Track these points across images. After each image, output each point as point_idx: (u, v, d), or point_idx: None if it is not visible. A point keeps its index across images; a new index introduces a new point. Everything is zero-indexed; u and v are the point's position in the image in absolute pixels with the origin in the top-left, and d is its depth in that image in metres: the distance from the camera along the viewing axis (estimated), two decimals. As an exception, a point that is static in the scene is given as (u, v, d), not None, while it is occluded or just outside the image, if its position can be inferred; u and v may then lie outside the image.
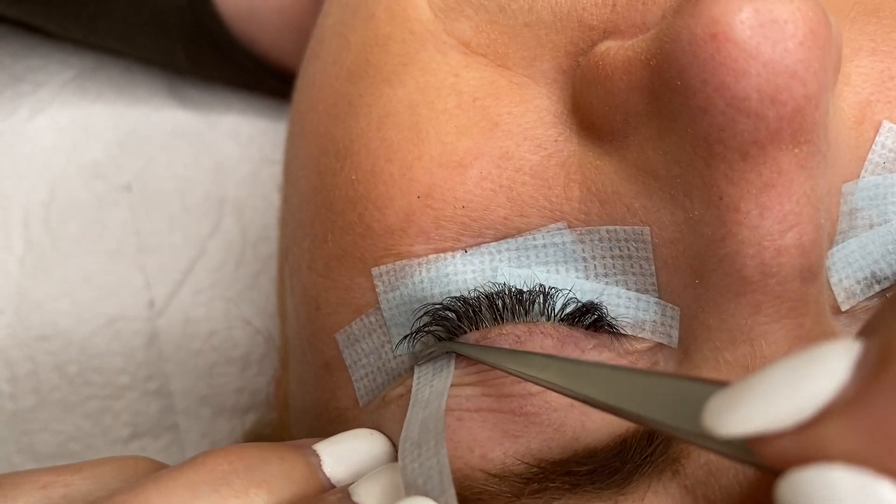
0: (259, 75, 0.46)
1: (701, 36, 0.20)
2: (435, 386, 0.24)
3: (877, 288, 0.24)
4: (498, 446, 0.23)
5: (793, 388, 0.16)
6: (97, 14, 0.43)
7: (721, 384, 0.18)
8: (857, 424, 0.15)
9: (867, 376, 0.15)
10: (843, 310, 0.23)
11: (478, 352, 0.24)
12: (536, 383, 0.22)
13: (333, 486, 0.24)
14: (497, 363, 0.23)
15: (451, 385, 0.24)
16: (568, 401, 0.23)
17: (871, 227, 0.24)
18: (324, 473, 0.24)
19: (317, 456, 0.24)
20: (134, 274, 0.45)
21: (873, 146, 0.24)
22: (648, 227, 0.23)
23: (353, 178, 0.26)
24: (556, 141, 0.24)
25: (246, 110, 0.48)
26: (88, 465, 0.23)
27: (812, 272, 0.22)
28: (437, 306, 0.24)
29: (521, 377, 0.22)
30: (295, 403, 0.31)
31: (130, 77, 0.48)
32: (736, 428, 0.16)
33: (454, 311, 0.24)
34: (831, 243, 0.23)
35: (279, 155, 0.48)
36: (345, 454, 0.24)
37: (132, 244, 0.45)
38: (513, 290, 0.24)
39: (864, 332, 0.18)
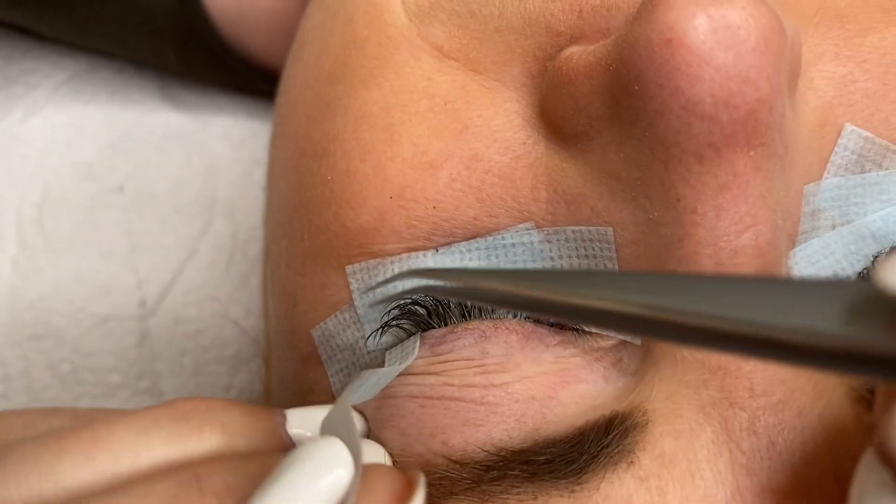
0: (250, 78, 0.47)
1: (656, 41, 0.21)
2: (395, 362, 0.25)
3: (839, 288, 0.24)
4: (459, 434, 0.24)
5: None
6: (89, 17, 0.43)
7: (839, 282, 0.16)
8: None
9: None
10: None
11: (467, 276, 0.21)
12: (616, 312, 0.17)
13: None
14: (488, 284, 0.20)
15: (417, 373, 0.25)
16: (529, 394, 0.24)
17: (834, 227, 0.24)
18: (286, 432, 0.24)
19: (283, 416, 0.25)
20: (126, 274, 0.45)
21: (836, 148, 0.24)
22: (611, 228, 0.23)
23: (329, 178, 0.27)
24: (524, 143, 0.25)
25: (237, 112, 0.49)
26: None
27: (768, 273, 0.22)
28: (406, 300, 0.25)
29: (521, 304, 0.20)
30: (276, 400, 0.32)
31: (124, 79, 0.48)
32: None
33: (423, 307, 0.25)
34: (793, 244, 0.24)
35: (270, 156, 0.48)
36: (311, 419, 0.25)
37: (124, 244, 0.46)
38: None
39: None
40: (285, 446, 0.24)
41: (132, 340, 0.45)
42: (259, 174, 0.48)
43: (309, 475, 0.20)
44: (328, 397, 0.27)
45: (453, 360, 0.25)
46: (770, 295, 0.15)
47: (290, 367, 0.29)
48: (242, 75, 0.47)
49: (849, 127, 0.24)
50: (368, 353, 0.26)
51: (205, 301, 0.46)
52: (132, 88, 0.48)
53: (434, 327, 0.25)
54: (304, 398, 0.28)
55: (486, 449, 0.24)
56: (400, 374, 0.25)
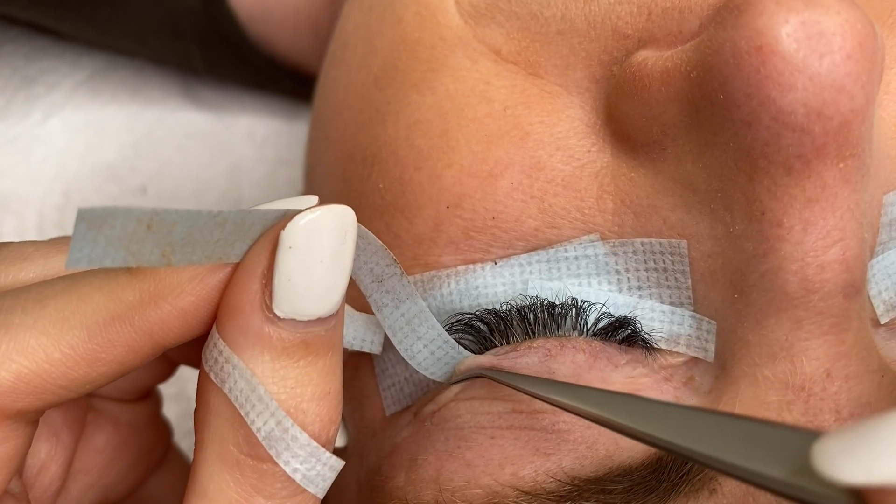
0: (275, 76, 0.46)
1: (745, 48, 0.20)
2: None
3: (918, 300, 0.23)
4: (529, 464, 0.23)
5: None
6: (111, 17, 0.42)
7: (802, 429, 0.17)
8: None
9: None
10: (882, 322, 0.23)
11: (513, 379, 0.23)
12: (591, 419, 0.21)
13: None
14: (548, 396, 0.22)
15: (482, 398, 0.24)
16: None
17: None
18: None
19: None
20: (150, 278, 0.44)
21: None
22: (685, 241, 0.22)
23: (381, 185, 0.26)
24: (588, 151, 0.24)
25: (261, 111, 0.48)
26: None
27: (855, 287, 0.21)
28: (469, 316, 0.24)
29: (577, 413, 0.21)
30: None
31: (144, 78, 0.47)
32: (856, 476, 0.15)
33: (485, 323, 0.24)
34: (871, 255, 0.23)
35: (295, 156, 0.47)
36: None
37: (148, 248, 0.45)
38: (545, 303, 0.24)
39: None
40: None
41: (157, 346, 0.44)
42: (284, 174, 0.47)
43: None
44: (380, 413, 0.27)
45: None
46: (737, 435, 0.18)
47: None
48: (267, 73, 0.46)
49: None
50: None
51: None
52: (153, 87, 0.47)
53: (496, 345, 0.24)
54: (355, 412, 0.28)
55: (558, 478, 0.23)
56: (464, 400, 0.24)
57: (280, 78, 0.46)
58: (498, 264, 0.24)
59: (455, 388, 0.24)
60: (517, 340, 0.24)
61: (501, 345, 0.24)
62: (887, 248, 0.23)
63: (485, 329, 0.24)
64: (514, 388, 0.23)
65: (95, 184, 0.45)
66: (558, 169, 0.24)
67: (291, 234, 0.20)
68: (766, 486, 0.17)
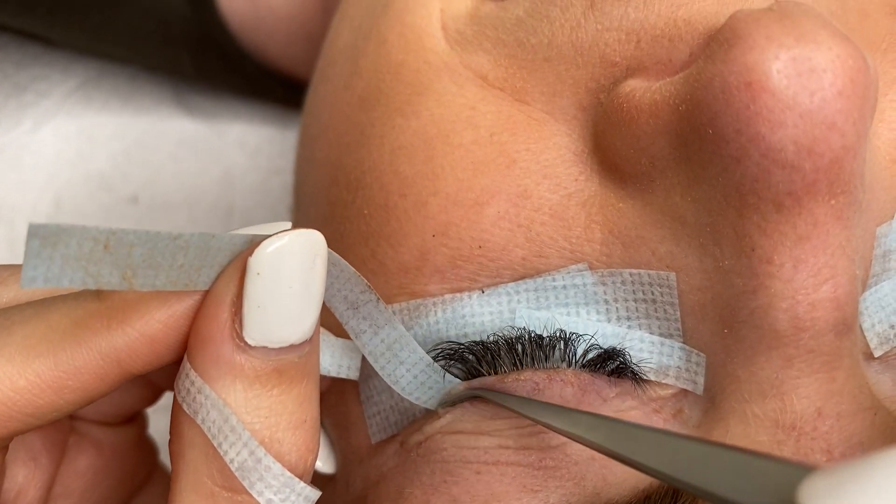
0: (267, 84, 0.46)
1: (735, 84, 0.19)
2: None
3: (911, 333, 0.23)
4: (515, 501, 0.23)
5: None
6: (102, 24, 0.42)
7: (791, 463, 0.17)
8: None
9: None
10: (875, 356, 0.23)
11: (504, 400, 0.23)
12: (584, 444, 0.21)
13: None
14: (540, 419, 0.22)
15: (469, 433, 0.24)
16: (589, 454, 0.23)
17: None
18: None
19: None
20: (141, 287, 0.44)
21: None
22: (674, 273, 0.22)
23: (366, 212, 0.25)
24: (576, 180, 0.23)
25: (253, 119, 0.48)
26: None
27: (846, 325, 0.21)
28: (457, 345, 0.24)
29: (567, 436, 0.21)
30: None
31: (136, 86, 0.47)
32: None
33: (473, 354, 0.24)
34: (864, 288, 0.23)
35: (288, 164, 0.47)
36: None
37: (139, 257, 0.44)
38: (533, 335, 0.23)
39: None
40: None
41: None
42: (276, 182, 0.47)
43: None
44: (366, 441, 0.26)
45: (507, 416, 0.23)
46: (726, 466, 0.18)
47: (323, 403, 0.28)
48: (259, 81, 0.45)
49: None
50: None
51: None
52: (145, 95, 0.47)
53: (483, 374, 0.24)
54: (340, 438, 0.27)
55: None
56: (450, 433, 0.24)
57: (272, 85, 0.46)
58: (485, 293, 0.24)
59: (442, 420, 0.24)
60: (505, 371, 0.23)
61: (489, 374, 0.24)
62: (880, 280, 0.23)
63: (472, 359, 0.24)
64: (509, 410, 0.22)
65: (86, 192, 0.45)
66: (545, 197, 0.23)
67: (259, 260, 0.20)
68: None
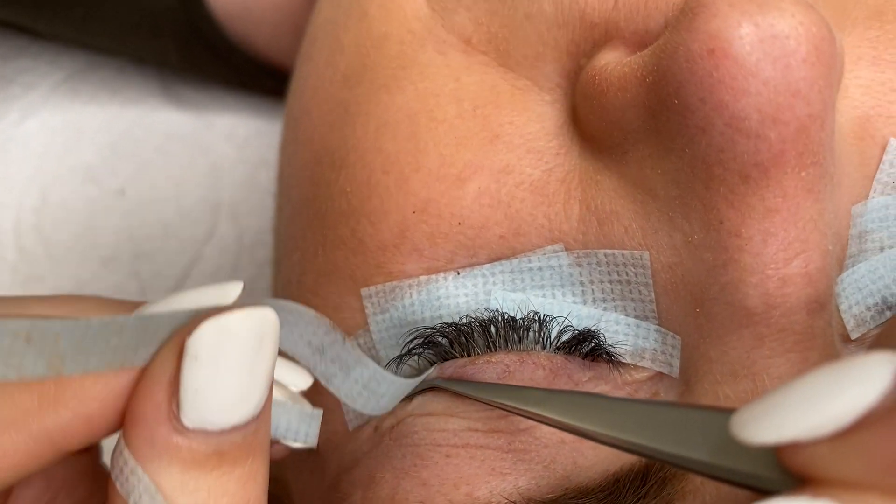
0: (255, 75, 0.45)
1: (698, 52, 0.19)
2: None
3: (888, 314, 0.22)
4: (484, 484, 0.22)
5: (832, 395, 0.15)
6: (87, 16, 0.42)
7: (729, 410, 0.17)
8: None
9: None
10: (852, 338, 0.22)
11: (471, 389, 0.23)
12: (534, 419, 0.21)
13: None
14: (491, 399, 0.22)
15: (438, 415, 0.23)
16: (559, 437, 0.22)
17: (882, 249, 0.23)
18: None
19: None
20: (128, 281, 0.44)
21: (881, 165, 0.22)
22: (647, 252, 0.22)
23: (348, 189, 0.25)
24: (557, 154, 0.23)
25: (242, 110, 0.47)
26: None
27: (819, 303, 0.21)
28: (428, 330, 0.24)
29: (517, 413, 0.21)
30: None
31: (124, 78, 0.47)
32: (768, 435, 0.15)
33: (445, 337, 0.23)
34: (841, 268, 0.22)
35: (276, 156, 0.47)
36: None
37: (126, 250, 0.44)
38: (506, 317, 0.23)
39: (888, 345, 0.17)
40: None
41: (136, 349, 0.43)
42: (265, 175, 0.47)
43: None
44: (340, 425, 0.26)
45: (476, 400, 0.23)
46: (656, 422, 0.19)
47: None
48: (247, 72, 0.45)
49: (893, 142, 0.22)
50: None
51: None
52: (133, 87, 0.47)
53: (456, 357, 0.23)
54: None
55: (513, 499, 0.22)
56: (420, 416, 0.24)
57: (261, 77, 0.45)
58: (461, 274, 0.24)
59: (414, 403, 0.24)
60: (478, 353, 0.23)
61: (461, 356, 0.23)
62: (857, 262, 0.22)
63: (444, 343, 0.23)
64: (471, 398, 0.22)
65: (73, 185, 0.45)
66: (527, 173, 0.23)
67: (197, 343, 0.18)
68: (697, 470, 0.17)
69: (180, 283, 0.44)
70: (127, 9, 0.42)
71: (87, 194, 0.44)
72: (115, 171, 0.45)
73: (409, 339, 0.24)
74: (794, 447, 0.15)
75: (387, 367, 0.25)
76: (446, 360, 0.24)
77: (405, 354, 0.24)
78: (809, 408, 0.15)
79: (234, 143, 0.47)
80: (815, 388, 0.15)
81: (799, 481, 0.15)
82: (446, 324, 0.23)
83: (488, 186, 0.23)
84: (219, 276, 0.45)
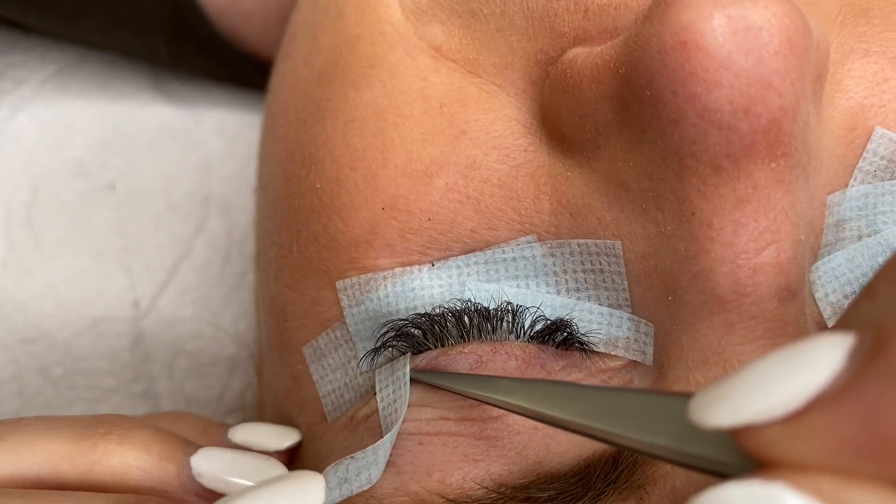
0: (244, 69, 0.45)
1: (670, 44, 0.19)
2: (398, 408, 0.23)
3: (865, 303, 0.22)
4: (457, 470, 0.22)
5: (784, 378, 0.15)
6: (75, 10, 0.42)
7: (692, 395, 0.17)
8: (850, 412, 0.14)
9: (861, 365, 0.14)
10: (829, 326, 0.22)
11: (441, 379, 0.23)
12: (503, 408, 0.21)
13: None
14: (462, 389, 0.22)
15: (411, 405, 0.23)
16: (531, 424, 0.22)
17: (860, 238, 0.23)
18: (188, 467, 0.25)
19: (193, 449, 0.25)
20: (118, 274, 0.44)
21: (864, 154, 0.22)
22: (620, 241, 0.22)
23: (318, 186, 0.25)
24: (525, 151, 0.23)
25: (232, 105, 0.47)
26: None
27: (790, 291, 0.21)
28: (401, 322, 0.23)
29: (486, 402, 0.21)
30: (268, 413, 0.30)
31: (114, 72, 0.47)
32: (723, 419, 0.15)
33: (419, 328, 0.23)
34: (815, 257, 0.22)
35: (263, 152, 0.47)
36: (220, 458, 0.25)
37: (116, 244, 0.44)
38: (479, 307, 0.23)
39: (848, 324, 0.17)
40: (182, 483, 0.24)
41: (125, 343, 0.43)
42: (255, 169, 0.46)
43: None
44: (319, 417, 0.26)
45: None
46: (622, 409, 0.18)
47: (281, 384, 0.28)
48: (236, 67, 0.45)
49: (879, 130, 0.22)
50: (361, 373, 0.25)
51: (200, 301, 0.44)
52: (123, 82, 0.47)
53: (430, 348, 0.23)
54: (297, 419, 0.27)
55: (486, 485, 0.22)
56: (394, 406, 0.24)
57: (250, 71, 0.45)
58: (435, 266, 0.24)
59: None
60: (451, 344, 0.23)
61: (435, 347, 0.23)
62: (834, 250, 0.22)
63: (418, 334, 0.23)
64: (443, 388, 0.22)
65: (64, 179, 0.45)
66: (494, 168, 0.23)
67: None
68: (660, 456, 0.17)
69: (170, 277, 0.44)
70: (115, 3, 0.42)
71: (78, 188, 0.44)
72: (105, 165, 0.45)
73: (382, 332, 0.24)
74: (748, 430, 0.15)
75: (362, 359, 0.24)
76: (420, 351, 0.24)
77: (380, 347, 0.24)
78: (762, 390, 0.15)
79: (224, 138, 0.47)
80: (768, 371, 0.15)
81: (756, 465, 0.15)
82: (419, 314, 0.23)
83: (456, 182, 0.23)
84: (209, 270, 0.45)
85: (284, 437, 0.26)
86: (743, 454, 0.15)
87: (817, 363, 0.14)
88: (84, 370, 0.43)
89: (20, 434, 0.23)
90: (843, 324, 0.17)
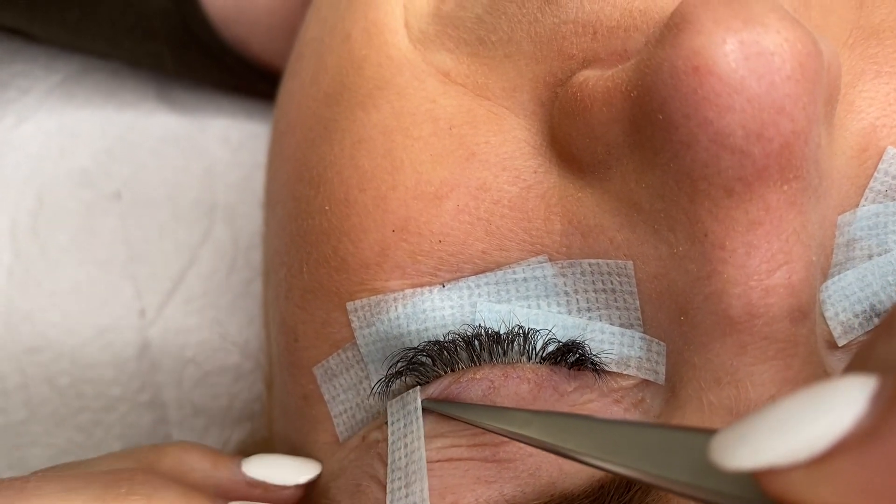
0: (249, 78, 0.45)
1: (682, 69, 0.19)
2: (408, 442, 0.23)
3: (876, 321, 0.22)
4: (470, 492, 0.22)
5: (807, 421, 0.15)
6: (82, 19, 0.42)
7: (711, 432, 0.17)
8: (874, 457, 0.14)
9: (884, 410, 0.14)
10: (839, 345, 0.22)
11: (454, 409, 0.23)
12: (518, 440, 0.21)
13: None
14: (476, 421, 0.22)
15: (425, 437, 0.23)
16: None
17: (871, 257, 0.23)
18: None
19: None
20: (124, 283, 0.44)
21: (875, 174, 0.23)
22: (632, 262, 0.22)
23: (327, 208, 0.25)
24: (535, 172, 0.23)
25: (237, 114, 0.47)
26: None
27: (802, 312, 0.21)
28: (411, 351, 0.24)
29: (500, 434, 0.21)
30: (278, 428, 0.31)
31: (119, 81, 0.47)
32: (745, 461, 0.15)
33: (429, 356, 0.23)
34: (825, 276, 0.22)
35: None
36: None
37: (122, 253, 0.44)
38: (490, 331, 0.23)
39: (867, 362, 0.17)
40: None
41: (132, 352, 0.44)
42: (259, 178, 0.47)
43: None
44: (331, 437, 0.26)
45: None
46: (639, 442, 0.18)
47: (292, 402, 0.28)
48: (241, 75, 0.45)
49: (891, 150, 0.22)
50: (373, 394, 0.25)
51: (206, 310, 0.45)
52: (127, 90, 0.47)
53: (440, 374, 0.24)
54: (308, 437, 0.27)
55: None
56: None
57: (255, 80, 0.45)
58: (446, 287, 0.24)
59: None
60: (462, 369, 0.23)
61: (446, 373, 0.23)
62: (843, 269, 0.22)
63: (428, 362, 0.23)
64: (457, 419, 0.22)
65: (69, 188, 0.45)
66: (505, 190, 0.23)
67: None
68: (679, 492, 0.17)
69: (176, 285, 0.44)
70: (121, 12, 0.42)
71: (83, 197, 0.45)
72: (110, 174, 0.45)
73: (394, 361, 0.24)
74: (771, 472, 0.15)
75: (375, 387, 0.25)
76: (432, 378, 0.24)
77: (392, 375, 0.24)
78: (785, 433, 0.15)
79: (229, 147, 0.47)
80: (790, 413, 0.15)
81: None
82: (429, 342, 0.23)
83: (466, 204, 0.23)
84: (215, 279, 0.45)
85: (303, 471, 0.26)
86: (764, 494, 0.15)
87: (840, 407, 0.14)
88: (91, 379, 0.43)
89: (30, 501, 0.21)
90: (862, 362, 0.17)
